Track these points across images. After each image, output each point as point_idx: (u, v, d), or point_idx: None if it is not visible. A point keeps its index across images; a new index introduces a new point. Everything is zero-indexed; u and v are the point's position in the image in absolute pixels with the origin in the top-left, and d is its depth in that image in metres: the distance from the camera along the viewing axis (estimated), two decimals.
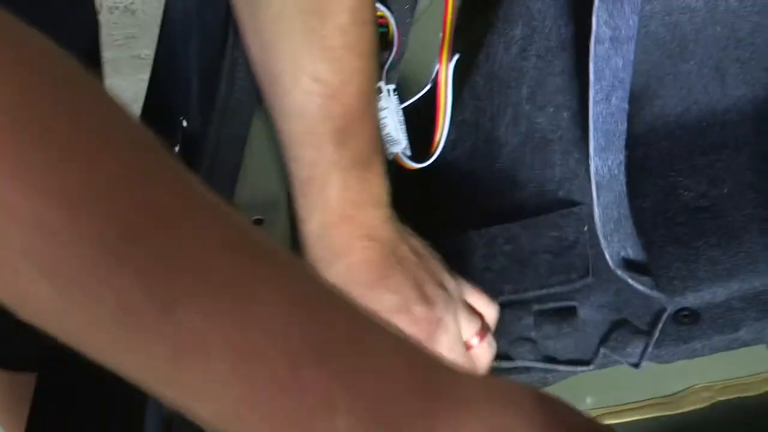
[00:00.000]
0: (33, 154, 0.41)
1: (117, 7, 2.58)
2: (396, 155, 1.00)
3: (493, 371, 0.96)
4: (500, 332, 0.98)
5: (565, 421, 0.52)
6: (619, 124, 0.96)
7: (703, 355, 1.03)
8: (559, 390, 1.04)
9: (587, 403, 1.09)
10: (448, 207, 1.07)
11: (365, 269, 0.86)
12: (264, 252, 0.48)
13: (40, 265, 0.42)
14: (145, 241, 0.43)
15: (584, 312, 1.00)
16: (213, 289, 0.44)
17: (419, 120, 1.04)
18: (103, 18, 2.57)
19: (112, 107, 0.47)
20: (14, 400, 1.32)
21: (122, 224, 0.42)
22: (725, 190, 1.09)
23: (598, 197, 0.95)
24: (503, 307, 0.99)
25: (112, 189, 0.43)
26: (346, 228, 0.87)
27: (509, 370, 1.00)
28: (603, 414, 1.09)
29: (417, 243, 0.90)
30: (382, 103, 1.00)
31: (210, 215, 0.48)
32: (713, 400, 1.09)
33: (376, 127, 0.88)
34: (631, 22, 0.94)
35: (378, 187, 0.87)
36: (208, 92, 0.96)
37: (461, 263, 0.99)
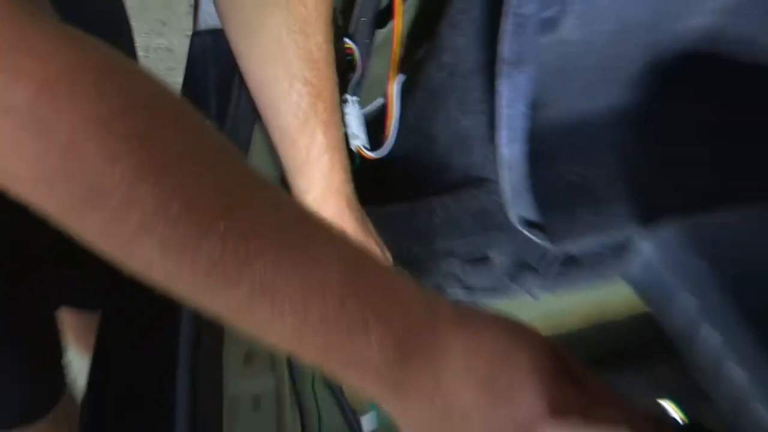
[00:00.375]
0: (157, 159, 0.43)
1: (160, 48, 2.67)
2: (359, 148, 1.01)
3: None
4: (436, 271, 1.00)
5: (576, 379, 0.51)
6: (521, 124, 0.97)
7: (580, 288, 1.06)
8: None
9: None
10: (397, 185, 1.07)
11: (353, 233, 0.87)
12: (313, 221, 0.50)
13: (156, 238, 0.43)
14: (227, 215, 0.45)
15: (496, 258, 1.02)
16: (279, 249, 0.46)
17: (376, 122, 1.05)
18: (150, 55, 2.62)
19: (203, 124, 0.49)
20: (86, 334, 1.29)
21: (212, 205, 0.45)
22: (594, 172, 1.12)
23: (505, 176, 0.97)
24: (437, 255, 1.00)
25: (204, 185, 0.45)
26: (336, 199, 0.87)
27: None
28: None
29: None
30: (349, 110, 1.01)
31: (272, 196, 0.49)
32: (586, 319, 1.11)
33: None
34: (529, 51, 0.94)
35: (348, 166, 0.88)
36: (222, 109, 0.95)
37: (407, 224, 1.01)
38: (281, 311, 0.46)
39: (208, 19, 0.94)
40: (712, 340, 0.85)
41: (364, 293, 0.48)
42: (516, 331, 0.52)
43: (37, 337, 1.06)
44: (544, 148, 1.11)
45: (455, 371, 0.49)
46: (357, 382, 0.50)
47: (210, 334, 0.82)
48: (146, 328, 0.87)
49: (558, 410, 0.48)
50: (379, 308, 0.48)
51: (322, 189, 0.86)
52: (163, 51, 2.67)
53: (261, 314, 0.46)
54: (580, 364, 0.53)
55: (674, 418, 0.59)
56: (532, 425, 0.48)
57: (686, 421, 0.60)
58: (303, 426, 0.89)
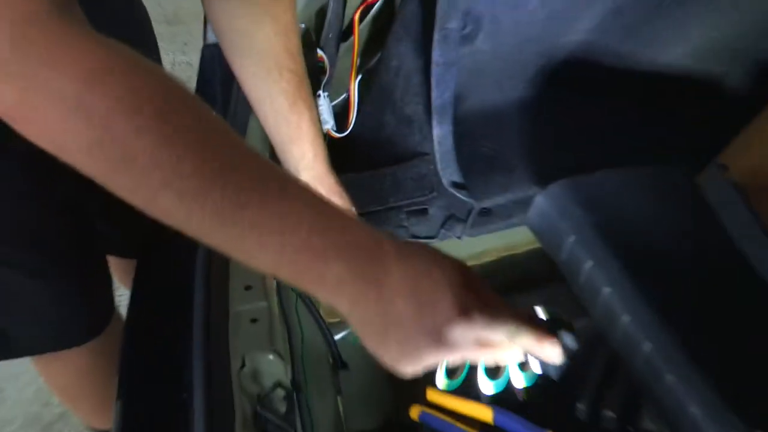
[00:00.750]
0: (172, 133, 0.45)
1: (183, 63, 2.64)
2: (328, 130, 1.01)
3: None
4: (388, 223, 0.99)
5: (479, 292, 0.53)
6: (448, 111, 0.96)
7: (494, 231, 1.05)
8: None
9: None
10: (357, 158, 1.05)
11: (333, 187, 0.88)
12: (290, 179, 0.51)
13: (174, 191, 0.46)
14: (226, 174, 0.47)
15: (432, 211, 1.01)
16: (264, 198, 0.48)
17: (341, 112, 1.05)
18: (175, 69, 2.60)
19: (208, 110, 0.50)
20: (127, 275, 1.28)
21: (214, 167, 0.46)
22: (504, 146, 1.11)
23: (437, 148, 0.97)
24: (389, 210, 0.99)
25: (208, 152, 0.47)
26: (322, 162, 0.87)
27: None
28: None
29: None
30: (321, 102, 1.00)
31: (259, 161, 0.50)
32: (499, 255, 1.11)
33: None
34: (453, 57, 0.94)
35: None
36: (226, 102, 0.94)
37: (366, 187, 1.00)
38: (265, 244, 0.48)
39: (214, 36, 0.88)
40: (587, 266, 0.83)
41: (326, 232, 0.50)
42: (437, 257, 0.53)
43: (94, 272, 1.05)
44: (466, 128, 1.10)
45: (392, 288, 0.50)
46: (322, 297, 0.52)
47: (218, 269, 0.81)
48: (169, 269, 0.87)
49: (465, 314, 0.51)
50: (338, 243, 0.50)
51: (313, 155, 0.85)
52: (185, 65, 2.65)
53: (250, 246, 0.49)
54: (482, 280, 0.54)
55: (540, 317, 0.62)
56: (447, 326, 0.50)
57: (549, 317, 0.63)
58: (289, 336, 0.87)
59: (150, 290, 0.86)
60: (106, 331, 1.07)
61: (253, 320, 0.79)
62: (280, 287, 0.87)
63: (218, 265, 0.82)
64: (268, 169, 0.51)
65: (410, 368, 0.52)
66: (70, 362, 1.10)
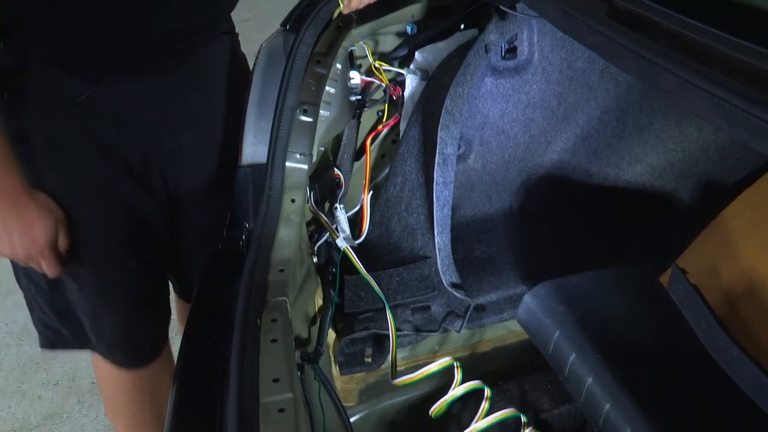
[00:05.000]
0: None
1: None
2: (346, 248, 1.03)
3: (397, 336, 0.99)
4: (397, 319, 1.02)
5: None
6: (447, 221, 1.03)
7: (488, 326, 1.10)
8: (423, 345, 1.09)
9: (435, 349, 1.11)
10: (369, 260, 1.07)
11: None
12: None
13: None
14: None
15: (433, 308, 1.06)
16: None
17: (355, 221, 1.12)
18: None
19: None
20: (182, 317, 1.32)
21: None
22: (494, 250, 1.18)
23: (438, 254, 1.03)
24: (397, 307, 1.04)
25: None
26: None
27: (400, 337, 1.02)
28: (444, 352, 1.10)
29: None
30: (338, 214, 1.07)
31: None
32: (494, 345, 1.13)
33: None
34: (450, 175, 1.02)
35: None
36: (256, 212, 0.98)
37: (378, 285, 1.03)
38: None
39: (248, 158, 1.00)
40: (571, 358, 0.89)
41: None
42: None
43: (158, 307, 1.11)
44: (460, 234, 1.21)
45: None
46: None
47: (251, 363, 0.85)
48: (208, 358, 0.89)
49: None
50: None
51: None
52: None
53: None
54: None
55: None
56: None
57: None
58: (312, 422, 0.91)
59: (192, 374, 0.90)
60: (156, 361, 1.11)
61: (281, 410, 0.82)
62: (304, 379, 0.93)
63: (250, 358, 0.86)
64: None
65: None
66: (115, 376, 1.12)
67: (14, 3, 0.81)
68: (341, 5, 0.91)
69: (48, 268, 0.90)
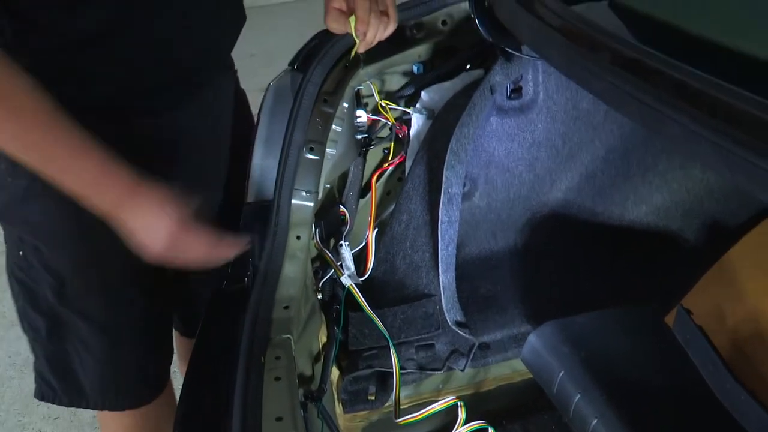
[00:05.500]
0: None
1: None
2: (350, 285, 1.04)
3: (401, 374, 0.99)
4: (401, 357, 1.02)
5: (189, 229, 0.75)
6: (452, 259, 1.04)
7: (492, 364, 1.10)
8: (427, 383, 1.09)
9: (439, 387, 1.10)
10: (375, 297, 1.08)
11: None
12: (79, 129, 0.70)
13: (15, 146, 0.69)
14: (38, 130, 0.68)
15: (438, 346, 1.06)
16: (67, 146, 0.70)
17: (360, 258, 1.11)
18: None
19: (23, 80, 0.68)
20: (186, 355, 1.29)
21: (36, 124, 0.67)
22: (498, 288, 1.18)
23: (443, 292, 1.03)
24: (401, 345, 1.03)
25: (33, 112, 0.68)
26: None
27: (403, 375, 1.03)
28: (448, 390, 1.10)
29: None
30: (343, 251, 1.06)
31: (63, 118, 0.69)
32: (498, 384, 1.13)
33: None
34: (456, 214, 1.03)
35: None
36: (261, 249, 0.97)
37: (383, 322, 1.04)
38: (64, 171, 0.72)
39: (254, 195, 1.00)
40: (575, 398, 0.89)
41: (100, 173, 0.73)
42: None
43: (163, 344, 1.09)
44: (465, 272, 1.19)
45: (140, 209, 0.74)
46: (102, 211, 0.73)
47: (254, 401, 0.83)
48: (211, 394, 0.87)
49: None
50: (105, 180, 0.73)
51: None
52: None
53: (57, 173, 0.71)
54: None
55: None
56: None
57: None
58: None
59: (195, 412, 0.88)
60: (157, 399, 1.08)
61: None
62: (307, 417, 0.92)
63: (253, 395, 0.85)
64: (66, 122, 0.71)
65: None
66: (117, 415, 1.09)
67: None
68: (357, 41, 0.91)
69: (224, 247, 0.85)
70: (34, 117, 0.69)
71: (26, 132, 0.69)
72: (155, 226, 0.75)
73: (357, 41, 0.92)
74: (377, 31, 0.91)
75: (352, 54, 1.00)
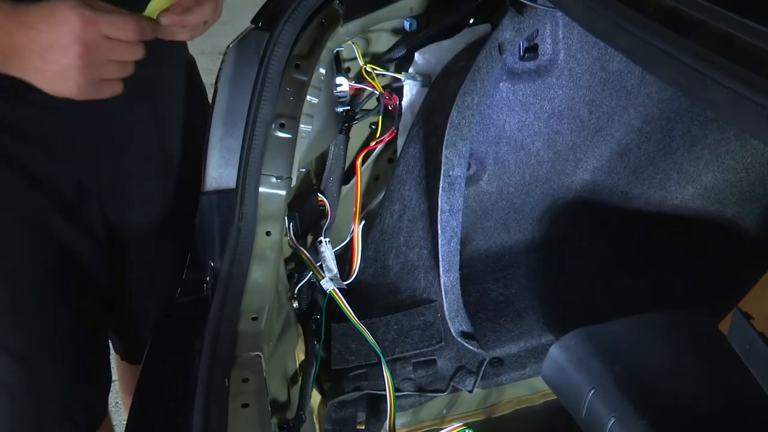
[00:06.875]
0: None
1: None
2: (333, 289, 1.03)
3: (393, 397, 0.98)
4: (396, 377, 1.03)
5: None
6: (455, 256, 1.03)
7: (507, 384, 1.09)
8: (428, 408, 1.10)
9: (443, 413, 1.10)
10: (360, 304, 1.08)
11: None
12: None
13: None
14: None
15: (440, 362, 1.06)
16: None
17: (344, 257, 1.12)
18: None
19: None
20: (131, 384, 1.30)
21: None
22: (513, 291, 1.18)
23: (445, 297, 1.03)
24: (396, 362, 1.04)
25: None
26: None
27: (399, 398, 1.03)
28: (454, 416, 1.11)
29: None
30: (323, 248, 1.07)
31: None
32: (515, 408, 1.13)
33: None
34: (458, 202, 1.02)
35: None
36: (223, 248, 0.97)
37: (373, 335, 1.04)
38: None
39: (213, 183, 0.98)
40: (609, 423, 0.88)
41: None
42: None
43: (96, 371, 1.08)
44: (472, 272, 1.21)
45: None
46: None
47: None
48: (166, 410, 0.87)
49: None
50: None
51: None
52: None
53: None
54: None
55: None
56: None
57: None
58: None
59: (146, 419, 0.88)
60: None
61: None
62: None
63: (216, 428, 0.85)
64: None
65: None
66: None
67: None
68: None
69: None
70: None
71: None
72: (55, 43, 0.73)
73: None
74: None
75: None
